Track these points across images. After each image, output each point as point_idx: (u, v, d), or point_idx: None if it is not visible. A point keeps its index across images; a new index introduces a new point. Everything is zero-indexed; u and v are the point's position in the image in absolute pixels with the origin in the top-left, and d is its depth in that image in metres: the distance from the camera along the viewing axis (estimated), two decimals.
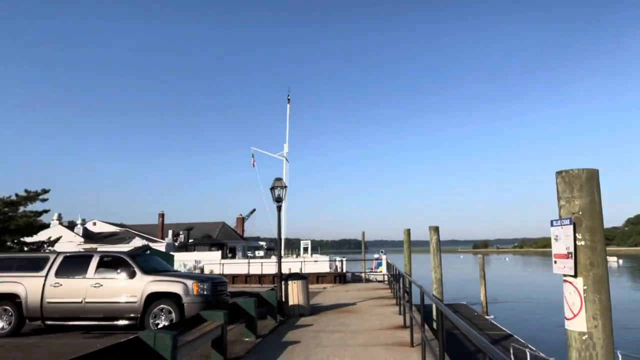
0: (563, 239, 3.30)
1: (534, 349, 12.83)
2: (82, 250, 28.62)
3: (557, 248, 3.37)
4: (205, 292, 10.97)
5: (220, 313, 7.76)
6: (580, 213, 3.19)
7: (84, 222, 54.20)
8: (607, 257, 3.40)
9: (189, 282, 11.01)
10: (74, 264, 11.44)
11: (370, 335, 9.37)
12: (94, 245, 42.60)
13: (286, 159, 39.66)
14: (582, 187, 3.19)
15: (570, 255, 3.22)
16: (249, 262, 34.90)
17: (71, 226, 52.17)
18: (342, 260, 33.27)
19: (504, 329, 17.77)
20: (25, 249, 35.28)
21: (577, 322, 3.15)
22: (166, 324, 10.24)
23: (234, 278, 30.71)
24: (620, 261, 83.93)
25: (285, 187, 13.85)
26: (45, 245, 37.09)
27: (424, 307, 6.84)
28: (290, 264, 32.00)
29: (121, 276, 11.06)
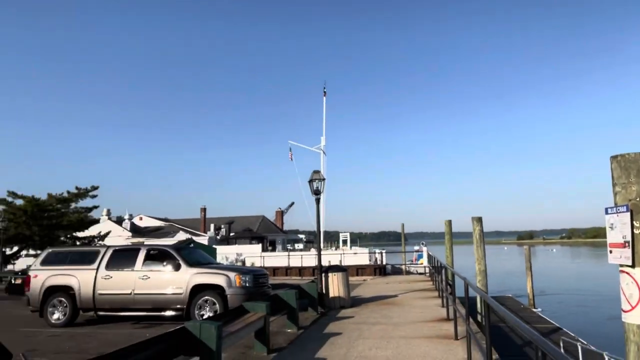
0: (619, 227, 3.12)
1: (585, 342, 12.32)
2: (130, 244, 29.78)
3: (613, 237, 3.20)
4: (247, 284, 11.17)
5: (262, 304, 7.88)
6: (638, 199, 3.00)
7: (131, 217, 56.41)
8: None
9: (232, 275, 11.23)
10: (123, 257, 11.91)
11: (412, 327, 9.26)
12: (141, 239, 44.27)
13: (323, 152, 39.75)
14: None
15: (627, 245, 3.05)
16: (288, 255, 35.29)
17: (119, 221, 54.42)
18: (381, 253, 33.08)
19: (552, 322, 17.17)
20: (78, 243, 37.17)
21: (636, 315, 2.98)
22: (210, 314, 10.50)
23: (275, 270, 31.15)
24: None
25: (324, 179, 13.85)
26: (96, 240, 38.93)
27: (468, 299, 6.68)
28: (330, 257, 32.11)
29: (167, 269, 11.42)
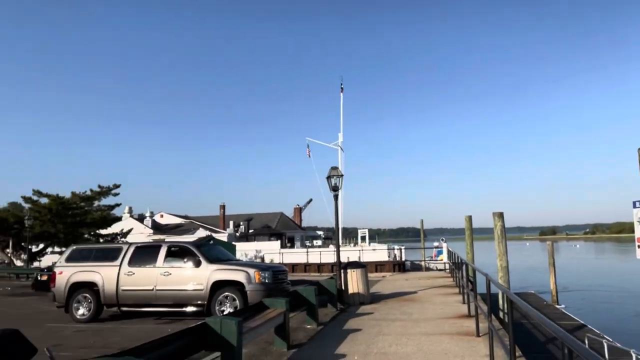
0: None
1: (610, 339, 12.04)
2: (152, 241, 30.26)
3: None
4: (266, 280, 11.23)
5: (282, 300, 7.90)
6: None
7: (152, 214, 57.28)
8: None
9: (251, 271, 11.31)
10: (144, 254, 12.10)
11: (433, 324, 9.18)
12: (162, 236, 44.92)
13: (341, 148, 39.63)
14: None
15: None
16: (307, 251, 35.38)
17: (141, 218, 55.32)
18: (400, 249, 32.90)
19: (576, 318, 16.84)
20: (101, 240, 37.92)
21: None
22: (231, 310, 10.60)
23: (294, 267, 31.25)
24: None
25: (342, 175, 13.80)
26: (119, 237, 39.67)
27: (490, 295, 6.58)
28: (349, 253, 32.09)
29: (188, 265, 11.56)
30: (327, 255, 31.89)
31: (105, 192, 39.06)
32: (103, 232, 39.70)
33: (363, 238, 47.85)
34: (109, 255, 12.31)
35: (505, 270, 11.71)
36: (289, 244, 50.64)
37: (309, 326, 9.32)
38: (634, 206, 3.19)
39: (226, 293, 11.11)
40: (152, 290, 11.51)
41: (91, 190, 38.73)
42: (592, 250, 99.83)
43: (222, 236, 42.62)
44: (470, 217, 19.74)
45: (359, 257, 30.12)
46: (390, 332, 8.51)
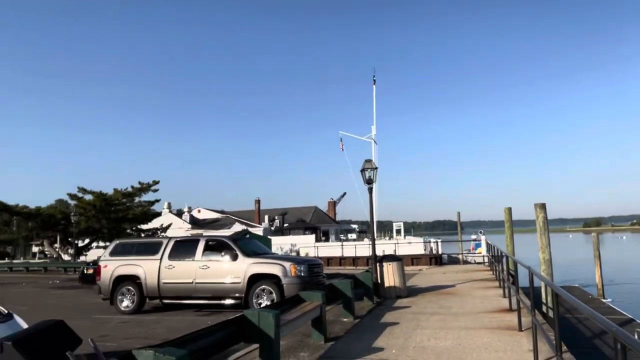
0: None
1: None
2: (190, 235, 31.05)
3: None
4: (302, 274, 11.29)
5: (318, 294, 7.92)
6: None
7: (190, 209, 58.74)
8: None
9: (287, 264, 11.39)
10: (183, 248, 12.39)
11: (472, 318, 8.99)
12: (199, 231, 45.98)
13: (374, 141, 39.31)
14: None
15: None
16: (342, 245, 35.38)
17: (179, 214, 56.83)
18: (437, 242, 32.42)
19: (624, 313, 16.10)
20: (142, 235, 39.20)
21: None
22: (268, 303, 10.72)
23: (329, 260, 31.34)
24: None
25: (376, 168, 13.69)
26: (159, 231, 40.90)
27: (533, 289, 6.35)
28: (384, 246, 31.85)
29: (225, 259, 11.76)
30: (362, 249, 31.81)
31: (145, 188, 40.35)
32: (144, 227, 41.06)
33: (398, 231, 47.40)
34: (150, 249, 12.68)
35: (548, 263, 11.33)
36: (323, 238, 50.80)
37: (345, 319, 9.31)
38: None
39: (263, 286, 11.25)
40: (192, 283, 11.78)
41: (132, 187, 40.10)
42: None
43: (258, 230, 43.19)
44: (509, 209, 19.20)
45: (395, 250, 29.84)
46: (428, 326, 8.39)
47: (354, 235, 57.48)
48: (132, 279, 12.35)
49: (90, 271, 20.96)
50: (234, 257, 11.69)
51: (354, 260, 31.37)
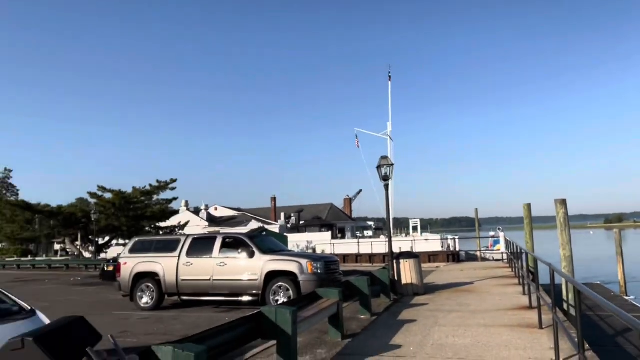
0: None
1: None
2: (207, 232, 31.31)
3: None
4: (319, 271, 11.30)
5: (335, 291, 7.91)
6: None
7: (207, 207, 59.26)
8: None
9: (304, 261, 11.41)
10: (201, 245, 12.51)
11: (491, 315, 8.88)
12: (216, 228, 46.36)
13: (390, 138, 39.10)
14: None
15: None
16: (358, 242, 35.33)
17: (196, 211, 57.38)
18: (454, 239, 32.12)
19: None
20: (161, 232, 39.71)
21: None
22: (285, 300, 10.75)
23: (345, 258, 31.32)
24: None
25: (392, 165, 13.59)
26: (177, 229, 41.39)
27: (554, 286, 6.24)
28: (401, 243, 31.69)
29: (242, 256, 11.83)
30: (378, 246, 31.70)
31: (163, 186, 40.86)
32: (162, 224, 41.60)
33: (415, 228, 47.12)
34: (168, 246, 12.83)
35: (569, 260, 11.13)
36: (339, 235, 50.79)
37: (362, 316, 9.28)
38: None
39: (280, 283, 11.29)
40: (209, 280, 11.88)
41: (150, 185, 40.65)
42: None
43: (274, 228, 43.38)
44: (529, 205, 18.91)
45: (411, 247, 29.68)
46: (446, 323, 8.31)
47: (370, 233, 57.38)
48: (151, 276, 12.51)
49: (111, 268, 21.27)
50: (251, 255, 11.75)
51: (371, 258, 31.29)
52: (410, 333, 7.60)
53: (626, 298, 19.88)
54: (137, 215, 39.39)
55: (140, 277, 12.60)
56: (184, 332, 8.56)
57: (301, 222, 54.99)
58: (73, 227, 40.32)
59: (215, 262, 11.96)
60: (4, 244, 53.70)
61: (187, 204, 57.13)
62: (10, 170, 73.79)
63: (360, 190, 72.85)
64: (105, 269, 22.87)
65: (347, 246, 35.32)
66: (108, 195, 38.87)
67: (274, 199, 59.17)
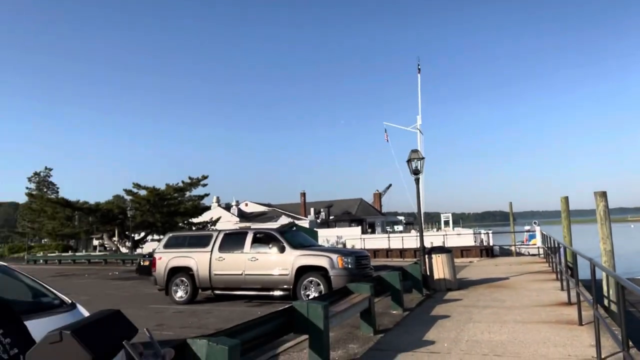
0: None
1: None
2: (238, 228, 31.78)
3: None
4: (349, 266, 11.26)
5: (366, 285, 7.86)
6: None
7: (237, 203, 60.06)
8: None
9: (334, 256, 11.40)
10: (232, 241, 12.67)
11: (528, 311, 8.64)
12: (247, 224, 46.96)
13: (420, 131, 38.55)
14: None
15: None
16: (389, 237, 35.06)
17: (227, 207, 58.25)
18: (488, 233, 31.46)
19: None
20: (193, 228, 40.52)
21: None
22: (316, 295, 10.77)
23: (375, 252, 31.14)
24: None
25: (422, 158, 13.40)
26: (209, 225, 42.13)
27: (595, 281, 6.00)
28: (432, 238, 31.26)
29: (273, 251, 11.92)
30: (409, 241, 31.37)
31: (195, 183, 41.64)
32: (195, 220, 42.44)
33: (446, 222, 46.41)
34: (201, 241, 13.06)
35: (610, 254, 10.71)
36: (369, 230, 50.53)
37: (394, 312, 9.21)
38: None
39: (310, 278, 11.32)
40: (241, 274, 12.03)
41: (182, 182, 41.49)
42: None
43: (304, 223, 43.54)
44: (566, 198, 18.30)
45: (443, 242, 29.23)
46: (481, 319, 8.14)
47: (400, 227, 56.83)
48: (185, 271, 12.76)
49: (146, 263, 21.82)
50: (282, 249, 11.83)
51: (401, 252, 31.01)
52: (443, 329, 7.49)
53: None
54: (171, 211, 40.29)
55: (175, 272, 12.86)
56: (218, 325, 8.70)
57: (331, 217, 55.02)
58: (110, 223, 41.61)
59: (247, 257, 12.09)
60: (46, 240, 56.09)
61: (218, 200, 58.06)
62: (51, 169, 76.68)
63: (390, 185, 72.31)
64: (141, 263, 23.47)
65: (377, 241, 35.13)
66: (143, 192, 39.90)
67: (303, 195, 59.40)
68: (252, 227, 30.08)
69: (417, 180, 13.42)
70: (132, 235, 40.36)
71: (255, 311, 10.44)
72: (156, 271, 13.13)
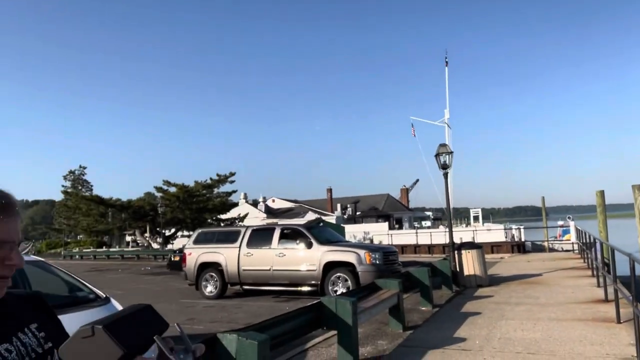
0: None
1: None
2: (265, 224, 32.03)
3: None
4: (377, 262, 11.19)
5: (394, 281, 7.80)
6: None
7: (264, 199, 60.67)
8: None
9: (362, 252, 11.35)
10: (260, 236, 12.78)
11: (563, 308, 8.39)
12: (274, 220, 47.33)
13: (448, 125, 38.04)
14: None
15: None
16: (416, 232, 34.71)
17: (255, 204, 58.89)
18: (519, 228, 30.74)
19: None
20: (222, 224, 41.13)
21: None
22: (343, 290, 10.75)
23: (403, 248, 30.87)
24: None
25: (451, 152, 13.18)
26: (237, 221, 42.68)
27: (634, 277, 5.77)
28: (461, 234, 30.76)
29: (300, 246, 11.96)
30: (437, 236, 30.97)
31: (222, 180, 42.26)
32: (223, 216, 43.08)
33: (476, 218, 45.66)
34: (229, 237, 13.22)
35: None
36: (396, 226, 50.19)
37: (423, 308, 9.10)
38: None
39: (338, 274, 11.30)
40: (269, 270, 12.13)
41: (211, 179, 42.16)
42: None
43: (330, 219, 43.58)
44: (602, 192, 17.68)
45: (473, 237, 28.72)
46: (514, 316, 7.95)
47: (428, 223, 56.26)
48: (215, 266, 12.95)
49: (177, 258, 22.22)
50: (309, 245, 11.85)
51: (430, 248, 30.65)
52: (475, 326, 7.35)
53: None
54: (200, 207, 41.02)
55: (205, 267, 13.07)
56: (247, 320, 8.79)
57: (357, 213, 54.88)
58: (142, 219, 42.68)
59: (275, 253, 12.17)
60: (81, 236, 58.00)
61: (245, 197, 58.75)
62: (85, 167, 79.07)
63: (417, 180, 71.65)
64: (172, 259, 23.94)
65: (405, 237, 34.83)
66: (172, 189, 40.76)
67: (329, 190, 59.47)
68: (279, 223, 30.31)
69: (445, 175, 13.21)
70: (163, 231, 41.28)
71: (284, 306, 10.51)
72: (186, 266, 13.37)
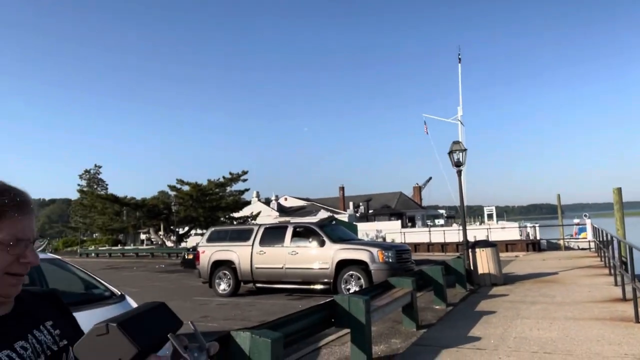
0: None
1: None
2: (278, 222, 32.11)
3: None
4: (390, 260, 11.14)
5: (408, 280, 7.75)
6: None
7: (277, 198, 60.78)
8: None
9: (374, 250, 11.30)
10: (273, 235, 12.81)
11: (579, 307, 8.26)
12: (286, 218, 47.42)
13: (461, 123, 37.71)
14: None
15: None
16: (429, 231, 34.49)
17: (267, 202, 59.05)
18: (534, 227, 30.38)
19: None
20: (234, 222, 41.32)
21: None
22: (356, 289, 10.73)
23: (416, 246, 30.70)
24: None
25: (465, 150, 13.06)
26: (249, 219, 42.86)
27: None
28: (475, 232, 30.48)
29: (313, 245, 11.96)
30: (451, 234, 30.75)
31: (235, 178, 42.46)
32: (235, 215, 43.29)
33: (490, 216, 45.24)
34: (242, 235, 13.28)
35: None
36: (409, 224, 49.91)
37: (437, 307, 9.03)
38: None
39: (351, 272, 11.28)
40: (282, 268, 12.15)
41: (223, 178, 42.39)
42: None
43: (343, 217, 43.52)
44: (619, 190, 17.38)
45: (487, 236, 28.46)
46: (529, 315, 7.85)
47: (441, 221, 55.82)
48: (228, 264, 13.02)
49: (190, 256, 22.41)
50: (321, 243, 11.84)
51: (443, 247, 30.44)
52: (489, 325, 7.27)
53: None
54: (213, 206, 41.26)
55: (218, 265, 13.15)
56: (260, 318, 8.82)
57: (370, 211, 54.72)
58: (156, 218, 43.07)
59: (287, 251, 12.19)
60: (97, 235, 58.75)
61: (258, 195, 58.93)
62: (100, 166, 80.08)
63: (430, 178, 71.09)
64: (186, 257, 24.15)
65: (418, 235, 34.64)
66: (186, 188, 41.06)
67: (342, 189, 59.38)
68: (291, 221, 30.35)
69: (459, 173, 13.10)
70: (177, 229, 41.63)
71: (297, 304, 10.52)
72: (200, 264, 13.46)
